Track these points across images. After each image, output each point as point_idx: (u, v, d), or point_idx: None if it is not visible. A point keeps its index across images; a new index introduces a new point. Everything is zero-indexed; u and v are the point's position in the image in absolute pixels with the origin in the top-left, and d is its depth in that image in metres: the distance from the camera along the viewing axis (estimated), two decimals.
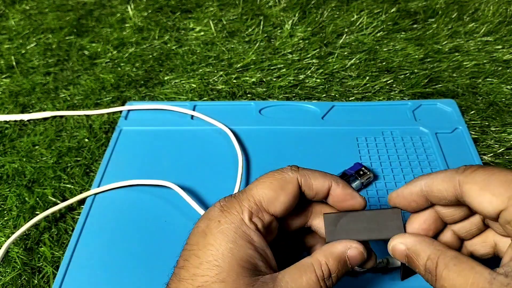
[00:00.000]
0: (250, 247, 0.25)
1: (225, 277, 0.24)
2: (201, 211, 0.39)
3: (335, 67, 0.56)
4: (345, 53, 0.58)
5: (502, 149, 0.44)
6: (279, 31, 0.63)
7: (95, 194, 0.42)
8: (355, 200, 0.28)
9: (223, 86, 0.55)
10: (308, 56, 0.58)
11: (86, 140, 0.49)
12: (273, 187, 0.27)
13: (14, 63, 0.61)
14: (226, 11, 0.68)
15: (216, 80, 0.56)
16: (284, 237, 0.30)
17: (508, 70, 0.54)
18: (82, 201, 0.42)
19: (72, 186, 0.44)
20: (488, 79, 0.53)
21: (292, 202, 0.27)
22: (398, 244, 0.26)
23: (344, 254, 0.26)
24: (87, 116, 0.52)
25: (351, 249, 0.27)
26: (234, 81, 0.55)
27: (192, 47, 0.62)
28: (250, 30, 0.64)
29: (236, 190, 0.40)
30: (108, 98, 0.54)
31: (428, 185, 0.25)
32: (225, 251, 0.25)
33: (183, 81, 0.56)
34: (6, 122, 0.52)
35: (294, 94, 0.53)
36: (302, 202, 0.29)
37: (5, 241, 0.39)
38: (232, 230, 0.25)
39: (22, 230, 0.39)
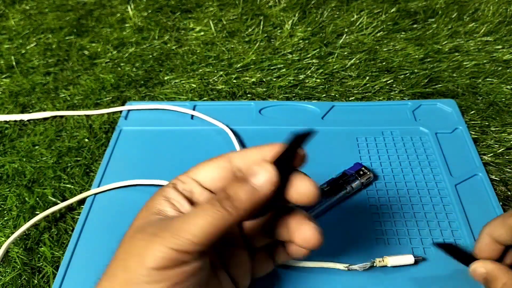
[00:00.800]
0: (169, 205, 0.27)
1: None
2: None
3: (335, 67, 0.56)
4: (345, 53, 0.58)
5: (502, 149, 0.44)
6: (279, 31, 0.63)
7: (95, 194, 0.42)
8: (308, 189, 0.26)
9: (223, 86, 0.55)
10: (308, 56, 0.58)
11: (86, 140, 0.49)
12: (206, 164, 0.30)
13: (14, 63, 0.61)
14: (226, 11, 0.68)
15: (216, 80, 0.56)
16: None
17: (508, 70, 0.54)
18: (82, 201, 0.42)
19: (72, 186, 0.44)
20: (488, 79, 0.53)
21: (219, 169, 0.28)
22: (479, 268, 0.30)
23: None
24: (87, 116, 0.52)
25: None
26: (234, 81, 0.55)
27: (192, 47, 0.62)
28: (250, 30, 0.64)
29: None
30: (108, 98, 0.54)
31: (490, 234, 0.30)
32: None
33: (183, 81, 0.56)
34: (6, 122, 0.52)
35: (294, 94, 0.53)
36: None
37: (5, 241, 0.39)
38: (157, 193, 0.28)
39: (21, 230, 0.39)
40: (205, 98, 0.53)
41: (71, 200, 0.41)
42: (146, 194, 0.42)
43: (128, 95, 0.54)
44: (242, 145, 0.46)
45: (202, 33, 0.64)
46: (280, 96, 0.53)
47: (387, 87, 0.53)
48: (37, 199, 0.43)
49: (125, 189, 0.43)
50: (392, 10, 0.65)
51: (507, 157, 0.44)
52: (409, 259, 0.34)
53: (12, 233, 0.40)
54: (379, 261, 0.33)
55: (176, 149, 0.47)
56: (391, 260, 0.33)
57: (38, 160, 0.47)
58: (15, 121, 0.52)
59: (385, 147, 0.45)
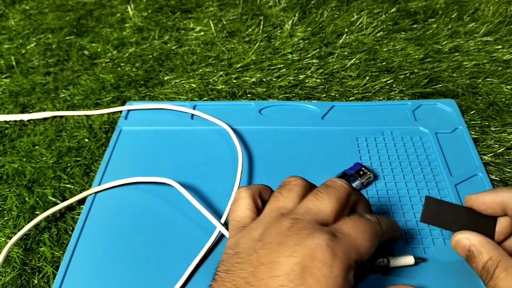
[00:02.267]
0: None
1: None
2: (201, 208, 0.39)
3: (335, 67, 0.56)
4: (345, 53, 0.58)
5: (502, 149, 0.44)
6: (279, 31, 0.63)
7: (96, 192, 0.42)
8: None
9: (223, 86, 0.55)
10: (308, 56, 0.58)
11: (86, 140, 0.49)
12: (372, 241, 0.28)
13: (14, 63, 0.61)
14: (226, 11, 0.68)
15: (216, 80, 0.56)
16: None
17: (508, 70, 0.54)
18: (82, 201, 0.42)
19: (72, 186, 0.44)
20: (488, 79, 0.53)
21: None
22: (464, 239, 0.28)
23: None
24: (87, 116, 0.52)
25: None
26: (234, 81, 0.55)
27: (192, 47, 0.62)
28: (250, 30, 0.64)
29: (235, 189, 0.40)
30: (108, 98, 0.54)
31: (511, 199, 0.29)
32: None
33: (183, 81, 0.56)
34: (6, 122, 0.52)
35: (294, 94, 0.53)
36: None
37: (5, 241, 0.39)
38: (343, 278, 0.25)
39: (22, 232, 0.39)
40: (205, 98, 0.53)
41: (70, 200, 0.41)
42: (146, 193, 0.42)
43: (128, 95, 0.54)
44: (242, 145, 0.46)
45: (202, 33, 0.64)
46: (280, 96, 0.53)
47: (387, 87, 0.53)
48: (37, 199, 0.43)
49: (125, 188, 0.43)
50: (392, 10, 0.65)
51: (507, 157, 0.44)
52: (409, 260, 0.34)
53: (13, 233, 0.40)
54: (380, 262, 0.33)
55: (176, 149, 0.47)
56: (391, 261, 0.34)
57: (38, 160, 0.47)
58: (15, 121, 0.52)
59: (385, 147, 0.45)
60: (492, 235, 0.29)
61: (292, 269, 0.25)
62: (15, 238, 0.38)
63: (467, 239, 0.28)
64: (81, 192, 0.43)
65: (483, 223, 0.30)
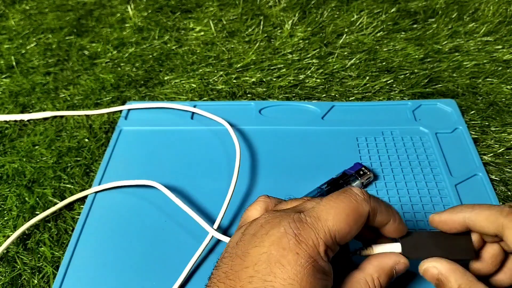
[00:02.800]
0: (325, 278, 0.25)
1: None
2: (192, 214, 0.39)
3: (335, 67, 0.56)
4: (345, 53, 0.58)
5: (502, 149, 0.44)
6: (279, 31, 0.63)
7: (95, 192, 0.42)
8: (399, 233, 0.29)
9: (223, 86, 0.55)
10: (308, 56, 0.58)
11: (86, 140, 0.49)
12: (348, 221, 0.26)
13: (14, 63, 0.61)
14: (226, 11, 0.68)
15: (216, 80, 0.56)
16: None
17: (508, 70, 0.54)
18: (82, 202, 0.42)
19: (72, 186, 0.44)
20: (488, 79, 0.53)
21: (358, 231, 0.28)
22: (432, 268, 0.28)
23: (393, 268, 0.28)
24: (87, 116, 0.52)
25: (399, 264, 0.28)
26: (234, 81, 0.55)
27: (192, 47, 0.62)
28: (250, 30, 0.64)
29: (231, 189, 0.40)
30: (108, 98, 0.54)
31: (471, 219, 0.28)
32: (306, 285, 0.24)
33: (183, 81, 0.56)
34: (6, 122, 0.52)
35: (294, 94, 0.53)
36: None
37: (5, 241, 0.39)
38: (311, 264, 0.25)
39: (21, 230, 0.39)
40: (205, 98, 0.53)
41: (69, 199, 0.41)
42: (146, 194, 0.42)
43: (128, 95, 0.54)
44: (242, 145, 0.46)
45: (202, 33, 0.64)
46: (280, 96, 0.53)
47: (387, 87, 0.53)
48: (37, 199, 0.43)
49: (125, 190, 0.43)
50: (392, 10, 0.65)
51: (507, 157, 0.44)
52: (395, 247, 0.31)
53: (12, 233, 0.40)
54: (362, 250, 0.32)
55: (176, 149, 0.47)
56: (375, 249, 0.31)
57: (38, 160, 0.47)
58: (15, 121, 0.52)
59: (385, 147, 0.45)
60: (471, 253, 0.29)
61: (259, 259, 0.25)
62: (13, 236, 0.38)
63: (434, 267, 0.28)
64: (81, 192, 0.43)
65: (459, 243, 0.29)
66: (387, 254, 0.29)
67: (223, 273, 0.26)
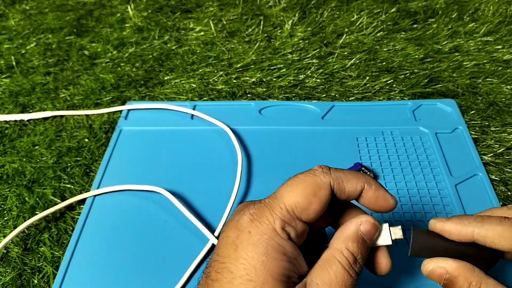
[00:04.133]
0: (283, 259, 0.24)
1: None
2: (190, 216, 0.39)
3: (335, 67, 0.56)
4: (345, 53, 0.58)
5: (502, 149, 0.44)
6: (279, 31, 0.63)
7: (94, 195, 0.42)
8: (386, 202, 0.27)
9: (223, 86, 0.55)
10: (308, 56, 0.58)
11: (86, 140, 0.49)
12: (305, 194, 0.25)
13: (14, 63, 0.61)
14: (226, 11, 0.68)
15: (216, 80, 0.56)
16: (311, 236, 0.29)
17: (508, 70, 0.54)
18: (82, 201, 0.42)
19: (72, 186, 0.44)
20: (488, 79, 0.53)
21: (324, 207, 0.26)
22: (438, 268, 0.26)
23: (359, 231, 0.26)
24: (87, 116, 0.52)
25: (363, 224, 0.26)
26: (234, 81, 0.55)
27: (192, 47, 0.62)
28: (250, 30, 0.64)
29: (235, 190, 0.40)
30: (108, 98, 0.54)
31: (481, 235, 0.25)
32: (257, 264, 0.23)
33: (183, 81, 0.56)
34: (6, 122, 0.52)
35: (294, 94, 0.53)
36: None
37: (3, 240, 0.39)
38: (264, 242, 0.24)
39: (19, 229, 0.39)
40: (205, 98, 0.53)
41: (69, 201, 0.41)
42: (145, 196, 0.42)
43: (128, 95, 0.54)
44: (242, 145, 0.46)
45: (202, 33, 0.64)
46: (280, 96, 0.53)
47: (387, 87, 0.53)
48: (37, 199, 0.43)
49: (123, 192, 0.43)
50: (392, 10, 0.65)
51: (507, 157, 0.44)
52: (386, 240, 0.28)
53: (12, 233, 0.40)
54: None
55: (176, 149, 0.47)
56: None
57: (38, 160, 0.47)
58: (15, 121, 0.52)
59: (385, 147, 0.45)
60: (488, 264, 0.27)
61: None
62: (11, 235, 0.38)
63: (441, 267, 0.26)
64: (81, 192, 0.43)
65: (475, 251, 0.27)
66: (350, 220, 0.26)
67: (209, 259, 0.27)
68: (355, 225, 0.26)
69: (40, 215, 0.40)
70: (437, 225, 0.27)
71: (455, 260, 0.26)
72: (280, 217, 0.25)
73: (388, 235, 0.27)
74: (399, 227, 0.27)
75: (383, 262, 0.27)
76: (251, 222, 0.25)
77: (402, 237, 0.27)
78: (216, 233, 0.38)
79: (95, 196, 0.42)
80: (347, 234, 0.26)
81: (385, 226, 0.27)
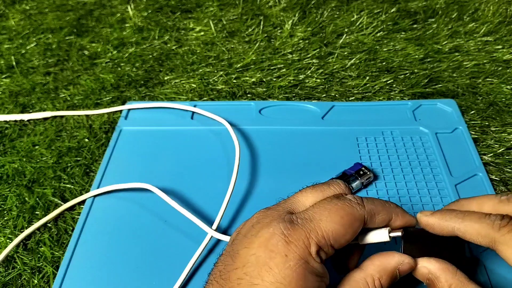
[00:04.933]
0: (317, 280, 0.24)
1: None
2: (188, 215, 0.39)
3: (335, 67, 0.56)
4: (345, 53, 0.58)
5: (502, 149, 0.44)
6: (279, 31, 0.63)
7: (94, 196, 0.42)
8: (412, 223, 0.29)
9: (223, 86, 0.55)
10: (308, 56, 0.58)
11: (86, 140, 0.49)
12: (343, 223, 0.26)
13: (14, 63, 0.61)
14: (226, 11, 0.68)
15: (216, 80, 0.56)
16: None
17: (508, 70, 0.54)
18: (82, 201, 0.42)
19: (72, 186, 0.44)
20: (488, 79, 0.53)
21: (354, 237, 0.27)
22: (422, 267, 0.27)
23: (396, 268, 0.27)
24: (87, 116, 0.52)
25: (403, 264, 0.27)
26: (234, 81, 0.55)
27: (192, 47, 0.62)
28: (250, 30, 0.64)
29: (230, 188, 0.40)
30: (108, 98, 0.54)
31: (461, 231, 0.27)
32: None
33: (183, 81, 0.56)
34: (6, 122, 0.52)
35: (294, 94, 0.53)
36: None
37: (5, 241, 0.39)
38: (302, 267, 0.24)
39: (24, 234, 0.39)
40: (205, 98, 0.53)
41: (70, 203, 0.41)
42: (144, 196, 0.42)
43: (128, 95, 0.54)
44: (242, 145, 0.46)
45: (202, 33, 0.64)
46: (280, 96, 0.53)
47: (387, 87, 0.53)
48: (37, 199, 0.43)
49: (124, 191, 0.43)
50: (392, 10, 0.65)
51: (507, 157, 0.44)
52: (381, 235, 0.29)
53: (13, 233, 0.40)
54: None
55: (176, 149, 0.47)
56: (359, 238, 0.30)
57: (38, 160, 0.47)
58: (15, 121, 0.52)
59: (385, 147, 0.45)
60: (462, 256, 0.29)
61: (247, 260, 0.24)
62: (16, 240, 0.38)
63: (424, 267, 0.27)
64: (81, 192, 0.43)
65: (452, 244, 0.29)
66: (390, 253, 0.27)
67: (218, 271, 0.26)
68: (395, 262, 0.27)
69: (44, 220, 0.40)
70: (422, 219, 0.28)
71: (438, 260, 0.27)
72: (316, 242, 0.25)
73: (386, 232, 0.28)
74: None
75: (353, 264, 0.29)
76: (287, 244, 0.24)
77: (401, 234, 0.28)
78: (214, 227, 0.38)
79: (95, 196, 0.42)
80: (385, 267, 0.27)
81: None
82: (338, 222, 0.25)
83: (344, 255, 0.30)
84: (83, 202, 0.42)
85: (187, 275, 0.35)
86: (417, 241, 0.28)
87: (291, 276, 0.23)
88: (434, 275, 0.26)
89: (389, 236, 0.28)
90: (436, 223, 0.28)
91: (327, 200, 0.27)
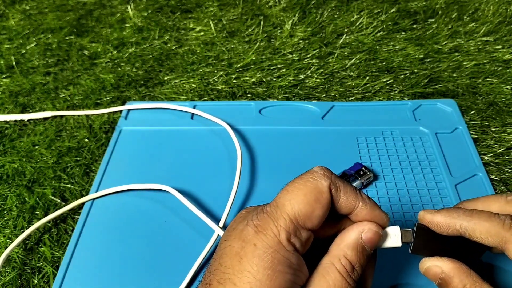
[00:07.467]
0: (288, 271, 0.24)
1: None
2: (198, 213, 0.39)
3: (335, 67, 0.56)
4: (345, 53, 0.58)
5: (502, 149, 0.44)
6: (279, 31, 0.63)
7: (93, 199, 0.42)
8: (381, 221, 0.27)
9: (223, 86, 0.55)
10: (308, 56, 0.58)
11: (86, 140, 0.49)
12: (308, 200, 0.25)
13: (14, 63, 0.61)
14: (226, 11, 0.68)
15: (216, 80, 0.56)
16: (318, 243, 0.28)
17: (508, 70, 0.54)
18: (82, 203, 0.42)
19: (72, 186, 0.44)
20: (488, 79, 0.53)
21: (327, 212, 0.25)
22: (434, 267, 0.26)
23: (359, 239, 0.25)
24: (87, 116, 0.52)
25: (365, 232, 0.25)
26: (234, 81, 0.55)
27: (192, 47, 0.62)
28: (250, 30, 0.64)
29: (234, 189, 0.40)
30: (108, 98, 0.54)
31: (469, 229, 0.26)
32: (263, 278, 0.23)
33: (183, 81, 0.56)
34: (6, 122, 0.52)
35: (294, 94, 0.53)
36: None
37: (5, 241, 0.39)
38: (270, 255, 0.23)
39: (23, 235, 0.39)
40: (205, 98, 0.53)
41: (71, 205, 0.41)
42: (145, 196, 0.42)
43: (128, 95, 0.54)
44: (242, 145, 0.46)
45: (202, 33, 0.64)
46: (280, 96, 0.53)
47: (387, 87, 0.53)
48: (37, 199, 0.43)
49: (124, 193, 0.43)
50: (392, 10, 0.65)
51: (507, 157, 0.44)
52: (396, 241, 0.27)
53: (12, 233, 0.40)
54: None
55: (176, 149, 0.47)
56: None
57: (38, 160, 0.47)
58: (15, 121, 0.52)
59: (385, 147, 0.45)
60: (478, 255, 0.28)
61: (223, 252, 0.25)
62: (16, 241, 0.38)
63: (437, 266, 0.26)
64: (81, 192, 0.43)
65: (470, 244, 0.27)
66: (351, 226, 0.26)
67: (210, 265, 0.26)
68: (356, 233, 0.26)
69: (45, 219, 0.40)
70: (426, 216, 0.27)
71: (452, 260, 0.26)
72: (284, 229, 0.24)
73: (399, 237, 0.27)
74: (410, 230, 0.27)
75: (368, 275, 0.28)
76: (256, 234, 0.24)
77: (412, 240, 0.27)
78: (220, 224, 0.38)
79: (93, 199, 0.42)
80: (347, 242, 0.25)
81: (396, 228, 0.27)
82: (302, 201, 0.25)
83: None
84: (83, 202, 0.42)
85: (194, 273, 0.35)
86: (427, 240, 0.27)
87: (258, 265, 0.23)
88: (447, 275, 0.26)
89: (401, 232, 0.27)
90: (442, 221, 0.26)
91: (290, 182, 0.26)
